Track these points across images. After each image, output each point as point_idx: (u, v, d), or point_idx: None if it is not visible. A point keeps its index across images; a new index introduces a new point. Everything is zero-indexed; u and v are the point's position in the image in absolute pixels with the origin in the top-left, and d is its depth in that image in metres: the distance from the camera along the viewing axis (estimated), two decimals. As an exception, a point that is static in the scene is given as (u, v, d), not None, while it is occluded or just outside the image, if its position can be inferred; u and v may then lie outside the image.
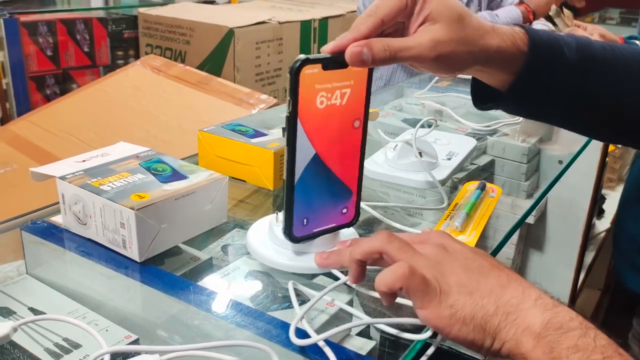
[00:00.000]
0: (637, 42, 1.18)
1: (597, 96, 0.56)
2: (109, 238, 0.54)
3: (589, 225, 1.44)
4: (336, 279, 0.51)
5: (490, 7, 1.63)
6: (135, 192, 0.54)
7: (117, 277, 0.53)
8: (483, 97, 0.58)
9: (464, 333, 0.40)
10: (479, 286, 0.41)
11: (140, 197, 0.53)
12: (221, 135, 0.72)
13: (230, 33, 1.84)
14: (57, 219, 0.59)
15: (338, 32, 2.14)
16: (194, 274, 0.56)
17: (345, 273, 0.51)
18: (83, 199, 0.54)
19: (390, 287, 0.41)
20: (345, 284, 0.50)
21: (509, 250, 1.28)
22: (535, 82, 0.54)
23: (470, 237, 0.61)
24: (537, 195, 0.93)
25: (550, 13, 1.34)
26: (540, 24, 1.59)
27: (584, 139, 0.95)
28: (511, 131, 0.98)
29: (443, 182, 0.74)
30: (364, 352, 0.49)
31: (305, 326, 0.45)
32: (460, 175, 0.82)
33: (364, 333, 0.54)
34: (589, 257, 1.68)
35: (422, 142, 0.77)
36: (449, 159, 0.80)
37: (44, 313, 0.51)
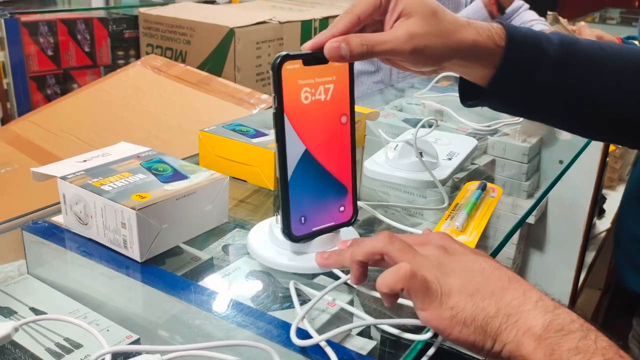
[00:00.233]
0: (636, 42, 1.18)
1: (581, 93, 0.56)
2: (110, 238, 0.54)
3: (590, 225, 1.44)
4: (337, 278, 0.51)
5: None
6: (136, 192, 0.54)
7: (118, 277, 0.53)
8: (468, 94, 0.59)
9: (465, 335, 0.40)
10: (480, 288, 0.41)
11: (141, 197, 0.53)
12: (222, 135, 0.72)
13: (230, 33, 1.84)
14: (58, 219, 0.59)
15: (339, 32, 2.13)
16: (195, 274, 0.56)
17: (345, 272, 0.51)
18: (84, 199, 0.54)
19: (391, 288, 0.41)
20: (346, 283, 0.50)
21: (509, 250, 1.28)
22: (514, 77, 0.54)
23: (471, 237, 0.61)
24: (537, 195, 0.93)
25: (548, 21, 1.34)
26: (541, 24, 1.59)
27: (585, 139, 0.95)
28: (512, 131, 0.98)
29: (444, 182, 0.74)
30: (364, 352, 0.49)
31: (306, 326, 0.45)
32: (461, 175, 0.82)
33: (365, 333, 0.54)
34: (589, 257, 1.68)
35: (423, 142, 0.77)
36: (450, 159, 0.80)
37: (45, 313, 0.51)
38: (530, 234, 1.41)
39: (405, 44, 0.50)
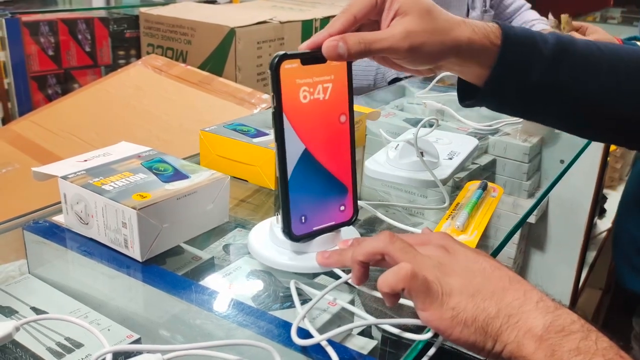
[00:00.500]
0: (638, 42, 1.17)
1: (577, 93, 0.56)
2: (111, 238, 0.54)
3: (591, 225, 1.44)
4: (338, 278, 0.51)
5: (491, 6, 1.63)
6: (137, 191, 0.54)
7: (119, 276, 0.53)
8: (465, 94, 0.59)
9: (466, 335, 0.40)
10: (481, 288, 0.41)
11: (142, 197, 0.53)
12: (223, 134, 0.72)
13: (231, 33, 1.84)
14: (59, 219, 0.59)
15: (339, 31, 2.13)
16: (196, 274, 0.56)
17: (346, 272, 0.51)
18: (85, 199, 0.54)
19: (392, 288, 0.41)
20: (346, 283, 0.50)
21: (510, 249, 1.28)
22: (509, 77, 0.55)
23: (471, 237, 0.61)
24: (538, 194, 0.93)
25: (551, 25, 1.34)
26: (542, 24, 1.59)
27: (584, 139, 0.95)
28: (512, 131, 0.98)
29: (444, 182, 0.74)
30: (365, 352, 0.49)
31: (307, 325, 0.45)
32: (462, 174, 0.82)
33: (366, 332, 0.54)
34: (590, 257, 1.68)
35: (424, 142, 0.77)
36: (451, 159, 0.80)
37: (46, 312, 0.51)
38: (531, 234, 1.41)
39: (402, 41, 0.50)
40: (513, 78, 0.55)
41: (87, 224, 0.56)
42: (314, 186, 0.52)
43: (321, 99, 0.50)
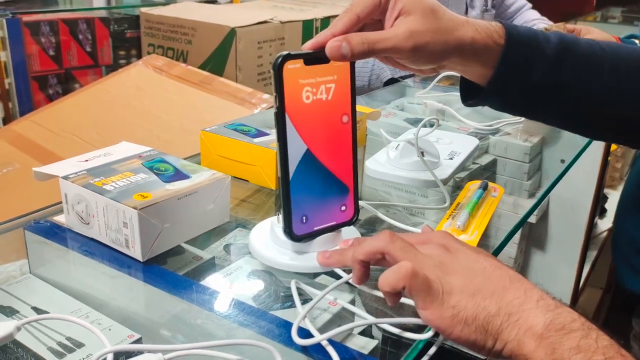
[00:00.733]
0: (637, 41, 1.17)
1: (579, 93, 0.56)
2: (112, 237, 0.54)
3: (591, 225, 1.44)
4: (338, 277, 0.51)
5: (493, 6, 1.63)
6: (138, 191, 0.54)
7: (120, 276, 0.53)
8: (468, 93, 0.59)
9: (466, 334, 0.40)
10: (481, 287, 0.41)
11: (143, 197, 0.53)
12: (223, 134, 0.72)
13: (232, 33, 1.85)
14: (60, 219, 0.59)
15: (340, 31, 2.12)
16: (197, 274, 0.56)
17: (347, 272, 0.51)
18: (86, 199, 0.55)
19: (393, 287, 0.41)
20: (347, 282, 0.50)
21: (511, 249, 1.28)
22: (512, 76, 0.54)
23: (472, 237, 0.61)
24: (539, 194, 0.93)
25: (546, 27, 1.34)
26: (543, 24, 1.59)
27: (587, 138, 0.95)
28: (513, 130, 0.98)
29: (445, 182, 0.74)
30: (366, 351, 0.49)
31: (308, 325, 0.45)
32: (463, 174, 0.82)
33: (366, 332, 0.54)
34: (591, 256, 1.68)
35: (424, 142, 0.77)
36: (451, 159, 0.80)
37: (47, 312, 0.51)
38: (532, 233, 1.41)
39: (405, 41, 0.50)
40: (516, 77, 0.55)
41: (88, 224, 0.56)
42: (316, 186, 0.52)
43: (324, 99, 0.50)
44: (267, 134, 0.73)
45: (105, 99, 1.43)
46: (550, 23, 1.59)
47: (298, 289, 0.51)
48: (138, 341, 0.48)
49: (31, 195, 0.76)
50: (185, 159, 0.66)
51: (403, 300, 0.44)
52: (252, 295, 0.52)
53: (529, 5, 1.66)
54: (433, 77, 1.17)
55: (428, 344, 0.46)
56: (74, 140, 1.28)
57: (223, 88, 1.40)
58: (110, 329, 0.48)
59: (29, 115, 1.46)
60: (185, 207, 0.55)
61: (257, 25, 1.92)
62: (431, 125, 0.84)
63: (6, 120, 1.77)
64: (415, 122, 0.96)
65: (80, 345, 0.47)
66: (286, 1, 2.43)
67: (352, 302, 0.51)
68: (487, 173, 0.92)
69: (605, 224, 1.86)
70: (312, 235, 0.53)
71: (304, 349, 0.43)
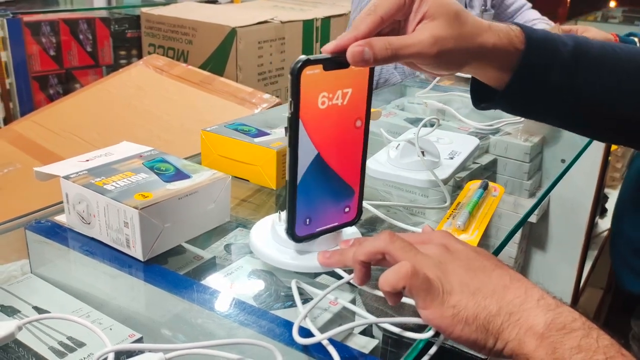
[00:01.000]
0: (636, 39, 1.17)
1: (593, 96, 0.56)
2: (113, 237, 0.54)
3: (592, 224, 1.44)
4: (339, 277, 0.51)
5: (493, 6, 1.63)
6: (138, 191, 0.54)
7: (120, 276, 0.53)
8: (481, 97, 0.58)
9: (467, 333, 0.40)
10: (482, 286, 0.41)
11: (143, 197, 0.53)
12: (224, 134, 0.72)
13: (232, 32, 1.85)
14: (61, 219, 0.59)
15: (340, 31, 2.13)
16: (197, 273, 0.56)
17: (348, 272, 0.51)
18: (87, 199, 0.55)
19: (393, 287, 0.41)
20: (348, 282, 0.50)
21: (511, 249, 1.28)
22: (530, 81, 0.54)
23: (472, 236, 0.61)
24: (539, 194, 0.93)
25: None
26: (543, 23, 1.59)
27: (587, 138, 0.95)
28: (514, 130, 0.98)
29: (445, 181, 0.74)
30: (366, 351, 0.49)
31: (309, 325, 0.45)
32: (463, 174, 0.82)
33: (367, 331, 0.54)
34: (591, 256, 1.68)
35: (425, 141, 0.78)
36: (452, 158, 0.80)
37: (48, 312, 0.51)
38: (532, 233, 1.41)
39: (430, 47, 0.48)
40: (534, 82, 0.54)
41: (89, 223, 0.56)
42: (322, 189, 0.51)
43: (339, 104, 0.48)
44: (267, 134, 0.73)
45: (105, 99, 1.43)
46: (551, 23, 1.59)
47: (299, 288, 0.51)
48: (139, 341, 0.48)
49: (32, 195, 0.76)
50: (185, 158, 0.66)
51: (404, 300, 0.44)
52: (253, 295, 0.52)
53: (529, 5, 1.66)
54: (433, 76, 1.17)
55: (428, 343, 0.46)
56: (75, 140, 1.28)
57: (223, 88, 1.40)
58: (111, 329, 0.49)
59: (30, 115, 1.46)
60: (185, 207, 0.55)
61: (257, 25, 1.92)
62: (431, 125, 0.84)
63: (7, 120, 1.77)
64: (415, 121, 0.96)
65: (81, 344, 0.47)
66: (286, 1, 2.44)
67: (353, 302, 0.51)
68: (488, 173, 0.92)
69: (605, 223, 1.86)
70: (314, 236, 0.53)
71: (305, 349, 0.43)
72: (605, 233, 1.82)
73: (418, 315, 0.42)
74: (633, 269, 1.13)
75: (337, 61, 0.47)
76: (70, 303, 0.53)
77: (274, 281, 0.54)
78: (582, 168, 1.28)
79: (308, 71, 0.45)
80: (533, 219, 1.26)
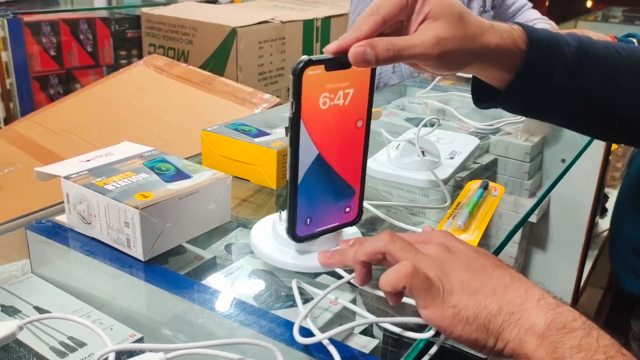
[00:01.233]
0: (634, 40, 1.17)
1: (596, 97, 0.56)
2: (114, 237, 0.54)
3: (592, 224, 1.44)
4: (339, 277, 0.51)
5: (493, 6, 1.63)
6: (139, 191, 0.54)
7: (121, 276, 0.53)
8: (483, 96, 0.58)
9: (467, 333, 0.40)
10: (482, 286, 0.41)
11: (144, 197, 0.53)
12: (224, 134, 0.72)
13: (232, 32, 1.85)
14: (62, 219, 0.59)
15: (341, 31, 2.14)
16: (198, 273, 0.56)
17: (348, 271, 0.51)
18: (87, 199, 0.55)
19: (394, 287, 0.41)
20: (348, 282, 0.50)
21: (511, 249, 1.28)
22: (533, 80, 0.54)
23: (473, 236, 0.61)
24: (539, 194, 0.93)
25: None
26: (544, 23, 1.59)
27: (587, 137, 0.95)
28: (514, 130, 0.98)
29: (446, 181, 0.74)
30: (367, 351, 0.49)
31: (309, 324, 0.45)
32: (463, 174, 0.82)
33: (367, 331, 0.54)
34: (592, 256, 1.68)
35: (425, 141, 0.78)
36: (452, 158, 0.80)
37: (49, 312, 0.51)
38: (533, 233, 1.41)
39: (432, 48, 0.48)
40: (537, 81, 0.54)
41: (89, 223, 0.56)
42: (323, 189, 0.51)
43: (341, 104, 0.49)
44: (268, 134, 0.73)
45: (106, 99, 1.43)
46: (552, 23, 1.59)
47: (299, 288, 0.51)
48: (140, 340, 0.48)
49: (32, 195, 0.76)
50: (186, 158, 0.66)
51: (404, 299, 0.44)
52: (253, 295, 0.52)
53: (530, 4, 1.66)
54: (434, 76, 1.17)
55: (429, 343, 0.46)
56: (75, 140, 1.28)
57: (224, 88, 1.41)
58: (111, 329, 0.49)
59: (30, 115, 1.46)
60: (186, 207, 0.55)
61: (257, 25, 1.93)
62: (432, 125, 0.84)
63: (7, 121, 1.77)
64: (415, 121, 0.96)
65: (82, 344, 0.47)
66: (287, 1, 2.44)
67: (353, 302, 0.51)
68: (488, 172, 0.92)
69: (606, 223, 1.86)
70: (314, 236, 0.53)
71: (306, 348, 0.43)
72: (606, 233, 1.82)
73: (418, 315, 0.42)
74: (633, 269, 1.13)
75: (339, 62, 0.47)
76: (71, 303, 0.53)
77: (275, 281, 0.54)
78: (582, 168, 1.28)
79: (310, 71, 0.45)
80: (533, 218, 1.26)
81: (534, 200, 0.91)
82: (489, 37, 0.51)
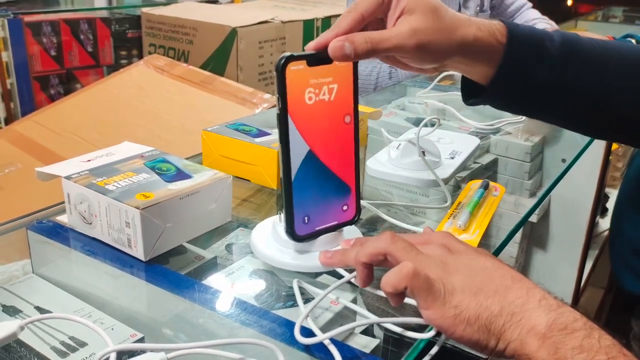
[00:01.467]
0: (633, 40, 1.17)
1: (589, 94, 0.56)
2: (114, 237, 0.54)
3: (592, 224, 1.44)
4: (340, 276, 0.51)
5: (492, 6, 1.63)
6: (140, 191, 0.54)
7: (122, 276, 0.53)
8: (470, 92, 0.59)
9: (469, 333, 0.40)
10: (483, 286, 0.41)
11: (145, 197, 0.53)
12: (225, 134, 0.72)
13: (233, 32, 1.85)
14: (63, 219, 0.59)
15: (341, 31, 2.13)
16: (199, 273, 0.56)
17: (349, 271, 0.51)
18: (88, 199, 0.55)
19: (395, 287, 0.41)
20: (349, 282, 0.50)
21: (512, 249, 1.28)
22: (515, 75, 0.54)
23: (473, 236, 0.61)
24: (540, 193, 0.93)
25: None
26: (544, 23, 1.59)
27: (588, 137, 0.95)
28: (514, 130, 0.98)
29: (446, 181, 0.74)
30: (368, 350, 0.49)
31: (310, 324, 0.45)
32: (464, 174, 0.82)
33: (368, 331, 0.54)
34: (592, 256, 1.68)
35: (425, 141, 0.78)
36: (452, 158, 0.80)
37: (50, 312, 0.51)
38: (533, 233, 1.41)
39: (409, 39, 0.50)
40: (519, 77, 0.55)
41: (90, 223, 0.56)
42: (318, 187, 0.52)
43: (326, 100, 0.50)
44: (268, 134, 0.73)
45: (106, 99, 1.43)
46: (552, 23, 1.59)
47: (300, 288, 0.51)
48: (140, 340, 0.48)
49: (33, 195, 0.76)
50: (187, 158, 0.66)
51: (405, 300, 0.44)
52: (254, 295, 0.52)
53: (529, 4, 1.66)
54: (434, 76, 1.17)
55: (430, 343, 0.46)
56: (76, 140, 1.28)
57: (224, 88, 1.41)
58: (112, 329, 0.49)
59: (31, 115, 1.46)
60: (187, 207, 0.55)
61: (258, 25, 1.92)
62: (432, 125, 0.84)
63: (8, 121, 1.77)
64: (416, 121, 0.96)
65: (83, 344, 0.47)
66: (287, 1, 2.44)
67: (354, 302, 0.51)
68: (488, 172, 0.92)
69: (606, 223, 1.86)
70: (314, 235, 0.53)
71: (306, 348, 0.43)
72: (606, 232, 1.82)
73: (419, 315, 0.43)
74: (633, 269, 1.13)
75: (320, 57, 0.49)
76: (71, 303, 0.53)
77: (275, 281, 0.54)
78: (582, 168, 1.28)
79: (292, 67, 0.47)
80: (534, 218, 1.26)
81: (534, 200, 0.91)
82: (467, 29, 0.52)
